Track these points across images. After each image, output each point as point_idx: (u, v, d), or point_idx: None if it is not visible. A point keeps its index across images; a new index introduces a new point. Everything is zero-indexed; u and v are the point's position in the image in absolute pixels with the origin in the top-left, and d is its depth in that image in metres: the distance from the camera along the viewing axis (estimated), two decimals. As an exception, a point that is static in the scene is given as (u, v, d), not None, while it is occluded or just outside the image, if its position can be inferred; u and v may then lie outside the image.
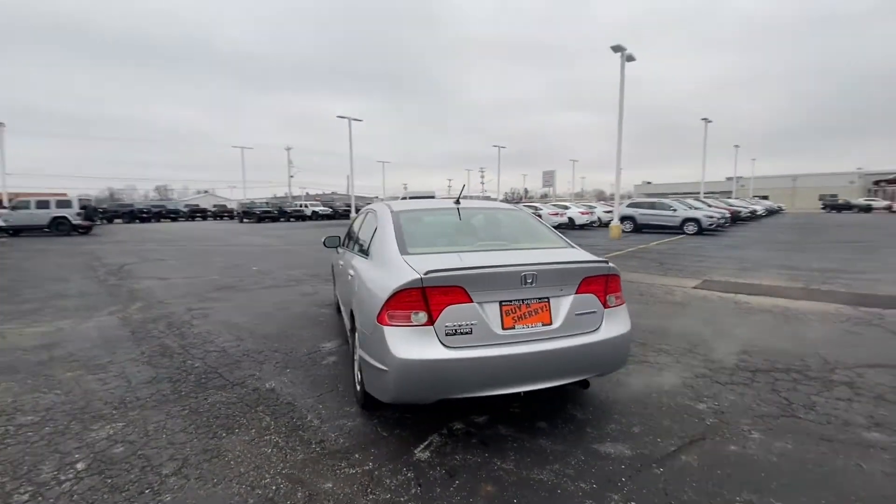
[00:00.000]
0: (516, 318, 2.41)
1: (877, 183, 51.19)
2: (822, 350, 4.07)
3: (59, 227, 19.06)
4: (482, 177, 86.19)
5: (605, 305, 2.64)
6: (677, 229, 18.49)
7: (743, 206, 29.08)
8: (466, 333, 2.33)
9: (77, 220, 19.31)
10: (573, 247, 3.05)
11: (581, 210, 22.94)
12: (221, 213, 41.06)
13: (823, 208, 46.08)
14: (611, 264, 2.67)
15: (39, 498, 2.08)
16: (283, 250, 13.22)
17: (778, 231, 19.84)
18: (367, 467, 2.31)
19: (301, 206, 36.61)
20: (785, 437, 2.58)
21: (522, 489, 2.12)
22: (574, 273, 2.54)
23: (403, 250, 2.69)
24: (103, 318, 5.35)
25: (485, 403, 2.96)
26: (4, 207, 21.62)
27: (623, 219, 19.25)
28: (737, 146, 41.72)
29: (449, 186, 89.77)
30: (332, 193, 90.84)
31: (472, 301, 2.34)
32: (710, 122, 30.37)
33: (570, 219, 21.55)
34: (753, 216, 29.17)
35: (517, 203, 17.14)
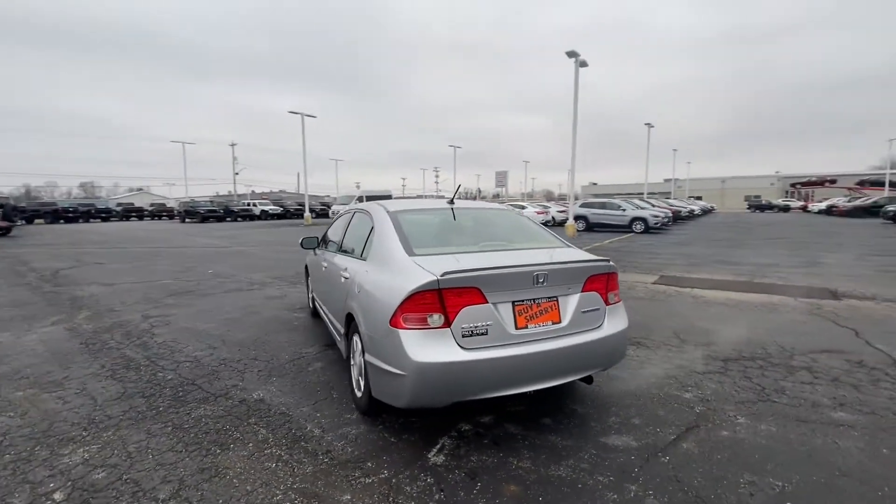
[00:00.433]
0: (528, 318, 2.44)
1: (793, 185, 56.72)
2: (778, 338, 4.44)
3: (-31, 228, 16.94)
4: (436, 176, 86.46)
5: (607, 303, 2.73)
6: (626, 228, 19.49)
7: (682, 206, 31.17)
8: (482, 334, 2.32)
9: (-8, 221, 17.26)
10: (570, 246, 3.12)
11: (537, 210, 23.60)
12: (160, 213, 38.27)
13: (749, 208, 50.37)
14: (611, 263, 2.77)
15: (16, 536, 1.84)
16: (238, 252, 12.54)
17: (714, 229, 21.46)
18: (383, 475, 2.24)
19: (249, 205, 34.90)
20: (766, 420, 2.79)
21: (545, 486, 2.14)
22: (580, 272, 2.61)
23: (409, 251, 2.64)
24: (47, 330, 4.82)
25: (488, 403, 2.96)
26: None
27: (576, 218, 20.03)
28: (675, 150, 44.66)
29: (403, 185, 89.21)
30: (281, 192, 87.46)
31: (487, 302, 2.33)
32: (652, 126, 32.29)
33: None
34: (691, 215, 31.34)
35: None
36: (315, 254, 4.80)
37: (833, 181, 48.12)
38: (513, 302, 2.41)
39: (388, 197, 32.61)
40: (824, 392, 3.20)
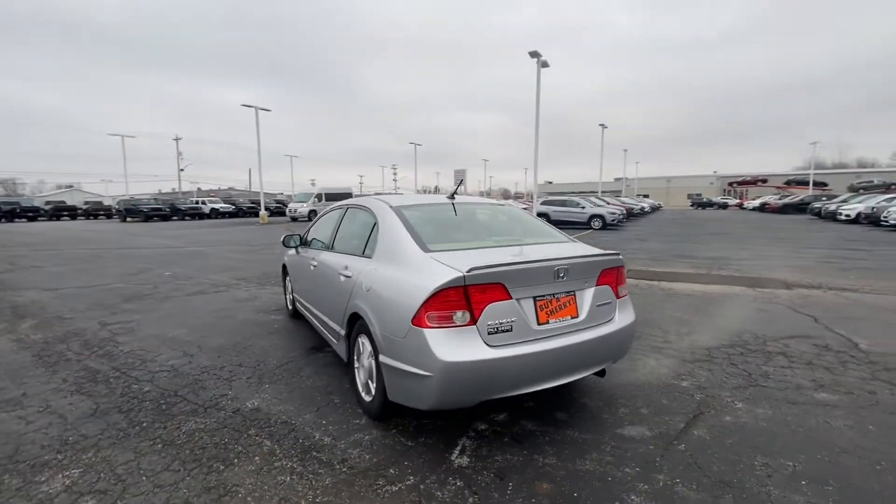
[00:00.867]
0: (549, 313, 2.42)
1: (730, 184, 61.09)
2: (748, 327, 4.72)
3: None
4: (394, 174, 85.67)
5: (618, 296, 2.77)
6: (585, 225, 20.18)
7: (634, 203, 32.71)
8: (507, 331, 2.28)
9: None
10: (574, 240, 3.14)
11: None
12: (96, 212, 35.31)
13: (692, 205, 53.67)
14: (621, 256, 2.81)
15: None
16: (193, 252, 11.79)
17: (665, 225, 22.67)
18: (410, 482, 2.15)
19: (198, 203, 32.96)
20: (761, 404, 2.95)
21: (576, 482, 2.14)
22: (595, 266, 2.62)
23: (424, 248, 2.54)
24: (-12, 342, 4.28)
25: (501, 401, 2.93)
26: None
27: (538, 215, 20.51)
28: (625, 150, 46.77)
29: (360, 183, 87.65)
30: (230, 189, 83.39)
31: (511, 298, 2.29)
32: (606, 127, 33.61)
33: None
34: (642, 212, 32.97)
35: None
36: (297, 252, 4.57)
37: (764, 181, 52.30)
38: (534, 297, 2.38)
39: (349, 195, 31.87)
40: (803, 375, 3.43)
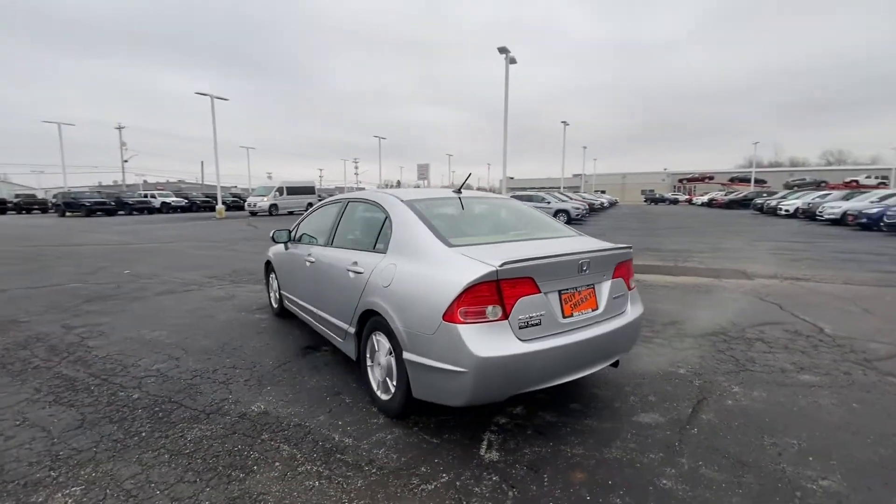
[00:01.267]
0: (573, 306, 2.45)
1: (680, 181, 64.50)
2: (725, 315, 5.01)
3: None
4: (356, 167, 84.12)
5: (629, 288, 2.85)
6: (551, 219, 20.67)
7: (594, 199, 33.87)
8: (536, 325, 2.29)
9: None
10: (581, 234, 3.20)
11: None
12: (30, 205, 32.40)
13: (645, 201, 56.29)
14: (632, 249, 2.89)
15: None
16: (152, 249, 11.07)
17: (624, 220, 23.63)
18: (444, 479, 2.12)
19: (147, 196, 30.95)
20: (755, 387, 3.13)
21: (607, 469, 2.19)
22: (612, 259, 2.68)
23: (447, 243, 2.50)
24: (-66, 351, 3.83)
25: (517, 395, 2.94)
26: None
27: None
28: (585, 147, 48.24)
29: (320, 176, 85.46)
30: (180, 182, 78.95)
31: (540, 291, 2.30)
32: (567, 125, 34.49)
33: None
34: (602, 207, 34.20)
35: None
36: (286, 249, 4.38)
37: (711, 177, 55.62)
38: (559, 291, 2.40)
39: (312, 189, 30.97)
40: (784, 359, 3.67)
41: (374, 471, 2.19)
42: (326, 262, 3.41)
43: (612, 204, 44.45)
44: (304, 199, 29.16)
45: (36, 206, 32.38)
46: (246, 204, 27.53)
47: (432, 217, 2.77)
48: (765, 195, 32.17)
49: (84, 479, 2.12)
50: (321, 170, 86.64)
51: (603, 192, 55.20)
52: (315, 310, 3.65)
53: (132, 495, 2.01)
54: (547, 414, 2.74)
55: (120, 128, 45.83)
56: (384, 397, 2.70)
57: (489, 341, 2.14)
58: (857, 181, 40.71)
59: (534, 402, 2.88)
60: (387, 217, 2.95)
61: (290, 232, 4.33)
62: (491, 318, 2.17)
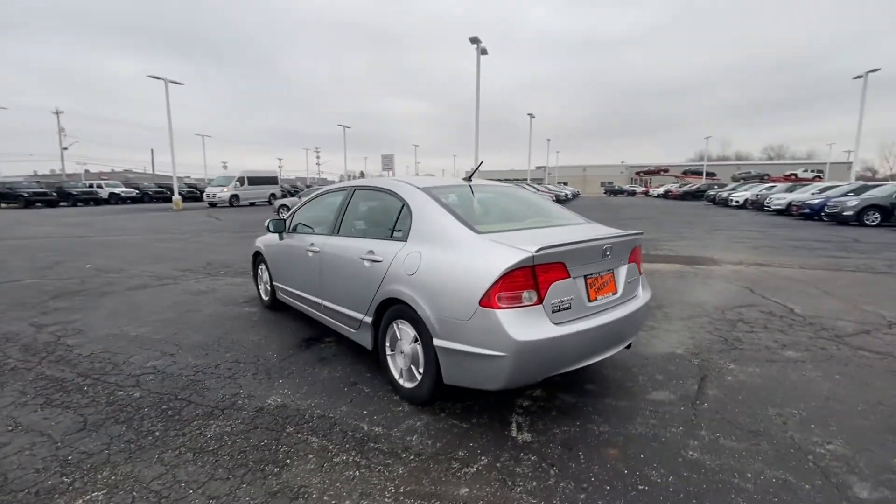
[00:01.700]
0: (597, 290, 2.53)
1: (637, 173, 67.10)
2: (704, 298, 5.31)
3: None
4: (318, 157, 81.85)
5: (640, 273, 2.97)
6: (521, 210, 21.03)
7: (558, 190, 34.69)
8: (567, 309, 2.34)
9: None
10: (591, 222, 3.28)
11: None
12: (-47, 196, 29.34)
13: (605, 192, 58.21)
14: (643, 234, 3.00)
15: None
16: (110, 242, 10.37)
17: (589, 211, 24.36)
18: (484, 461, 2.15)
19: (94, 187, 28.81)
20: (748, 364, 3.35)
21: (636, 445, 2.28)
22: (629, 245, 2.78)
23: (474, 230, 2.50)
24: None
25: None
26: None
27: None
28: (548, 140, 49.22)
29: (280, 166, 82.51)
30: (126, 171, 74.07)
31: (569, 276, 2.35)
32: (533, 117, 35.00)
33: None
34: (567, 199, 35.10)
35: None
36: (281, 238, 4.23)
37: (666, 170, 58.20)
38: (585, 276, 2.47)
39: (275, 179, 29.91)
40: (766, 337, 3.95)
41: (412, 457, 2.19)
42: (334, 252, 3.33)
43: (575, 195, 45.69)
44: (267, 190, 28.17)
45: (-38, 197, 29.38)
46: (204, 195, 26.24)
47: (457, 206, 2.76)
48: (716, 187, 34.06)
49: (104, 483, 1.99)
50: (280, 159, 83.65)
51: (565, 184, 56.56)
52: (319, 300, 3.56)
53: (163, 496, 1.91)
54: (566, 395, 2.82)
55: (58, 112, 42.37)
56: (408, 385, 2.69)
57: (526, 325, 2.17)
58: (795, 174, 43.88)
59: (552, 385, 2.96)
60: (404, 205, 2.90)
61: (285, 221, 4.18)
62: (526, 303, 2.20)
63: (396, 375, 2.78)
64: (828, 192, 17.35)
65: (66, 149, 44.28)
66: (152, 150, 57.68)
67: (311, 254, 3.63)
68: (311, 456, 2.20)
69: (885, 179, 43.33)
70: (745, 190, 25.77)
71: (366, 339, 3.05)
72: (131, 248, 9.34)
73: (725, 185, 34.16)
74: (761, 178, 42.56)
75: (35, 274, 6.60)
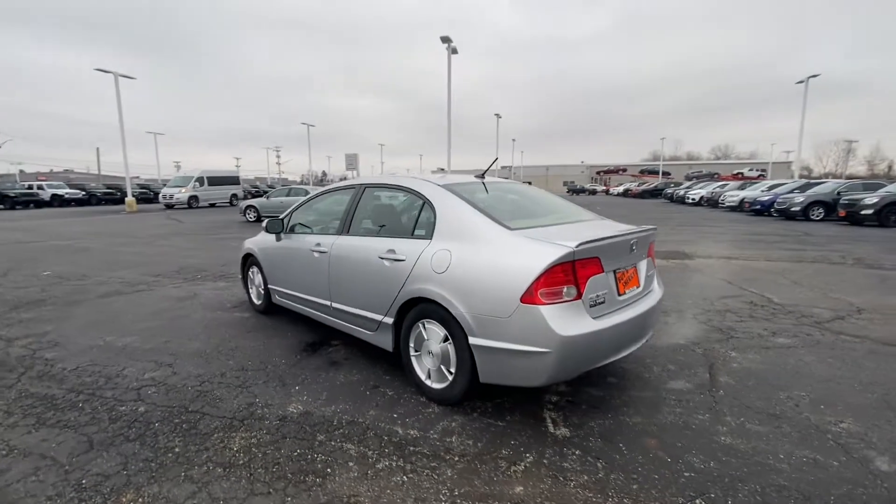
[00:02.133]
0: (624, 284, 2.58)
1: (597, 172, 69.36)
2: (687, 290, 5.55)
3: None
4: (278, 157, 79.35)
5: (654, 266, 3.05)
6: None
7: (525, 189, 35.32)
8: (602, 303, 2.37)
9: None
10: (603, 218, 3.35)
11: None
12: None
13: (568, 191, 59.81)
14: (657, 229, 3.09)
15: None
16: (63, 247, 9.61)
17: (558, 209, 24.92)
18: (530, 458, 2.14)
19: (34, 188, 26.61)
20: (747, 351, 3.52)
21: (671, 433, 2.34)
22: (647, 239, 2.85)
23: (506, 226, 2.48)
24: None
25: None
26: None
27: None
28: (514, 140, 50.00)
29: (238, 166, 79.36)
30: (67, 172, 69.04)
31: (603, 271, 2.39)
32: (500, 117, 35.44)
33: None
34: (533, 197, 35.80)
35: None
36: (278, 240, 4.06)
37: (624, 170, 60.52)
38: (614, 270, 2.51)
39: (237, 179, 28.71)
40: (756, 326, 4.17)
41: (456, 459, 2.15)
42: (346, 252, 3.22)
43: (540, 194, 46.70)
44: (228, 191, 27.02)
45: None
46: (160, 196, 24.83)
47: (485, 203, 2.74)
48: (672, 185, 35.76)
49: (133, 506, 1.83)
50: (238, 159, 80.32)
51: (529, 183, 57.55)
52: (328, 303, 3.44)
53: (203, 516, 1.78)
54: (592, 389, 2.86)
55: (-13, 107, 38.72)
56: (437, 386, 2.64)
57: (568, 320, 2.18)
58: (742, 173, 46.79)
59: (576, 380, 2.98)
60: (425, 202, 2.85)
61: (283, 222, 4.01)
62: (567, 298, 2.21)
63: (423, 377, 2.73)
64: (776, 190, 18.58)
65: (-3, 147, 40.64)
66: (98, 149, 54.04)
67: (317, 254, 3.50)
68: (351, 464, 2.12)
69: (820, 177, 47.06)
70: (701, 188, 27.19)
71: (385, 341, 2.98)
72: (90, 254, 8.69)
73: (681, 184, 35.94)
74: (711, 177, 45.07)
75: (-14, 283, 6.01)
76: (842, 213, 14.11)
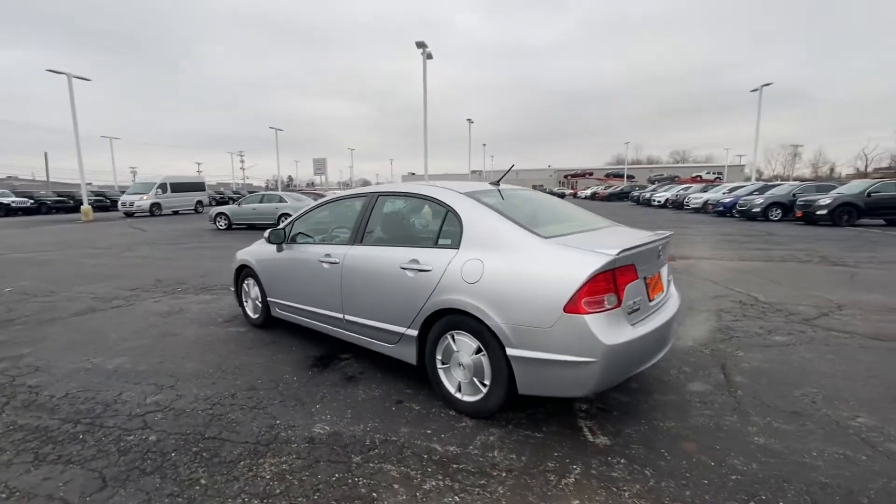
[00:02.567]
0: (652, 290, 2.61)
1: (565, 176, 71.06)
2: (681, 292, 5.69)
3: None
4: (242, 161, 76.97)
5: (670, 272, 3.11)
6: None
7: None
8: (637, 310, 2.39)
9: None
10: (618, 224, 3.39)
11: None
12: None
13: (537, 195, 60.83)
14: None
15: None
16: (19, 260, 8.91)
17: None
18: (578, 470, 2.12)
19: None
20: (752, 350, 3.65)
21: (707, 436, 2.38)
22: (668, 245, 2.90)
23: (539, 235, 2.46)
24: None
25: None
26: None
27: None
28: (485, 144, 50.49)
29: (199, 171, 76.38)
30: (11, 178, 64.37)
31: (638, 278, 2.40)
32: (472, 122, 35.73)
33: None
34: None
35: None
36: (279, 250, 3.89)
37: (591, 173, 62.32)
38: (644, 277, 2.53)
39: (202, 185, 27.61)
40: (751, 325, 4.33)
41: (503, 475, 2.10)
42: (362, 263, 3.11)
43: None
44: (193, 197, 25.97)
45: None
46: (119, 204, 23.51)
47: (512, 211, 2.71)
48: (638, 188, 37.07)
49: (169, 548, 1.68)
50: (200, 164, 77.36)
51: (542, 187, 58.46)
52: (339, 315, 3.31)
53: (251, 554, 1.65)
54: (618, 395, 2.88)
55: (-83, 108, 35.62)
56: (469, 399, 2.58)
57: (611, 329, 2.18)
58: (700, 176, 49.17)
59: (597, 386, 3.00)
60: (448, 211, 2.79)
61: (285, 231, 3.85)
62: (608, 307, 2.21)
63: (452, 390, 2.66)
64: (737, 192, 19.58)
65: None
66: (46, 154, 50.73)
67: (326, 265, 3.37)
68: (396, 486, 2.03)
69: (770, 180, 50.02)
70: (666, 190, 28.32)
71: (408, 354, 2.89)
72: (52, 267, 8.10)
73: (646, 187, 37.31)
74: (672, 180, 47.10)
75: (-61, 303, 5.47)
76: (798, 213, 15.01)
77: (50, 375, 3.28)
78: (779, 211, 16.42)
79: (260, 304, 4.26)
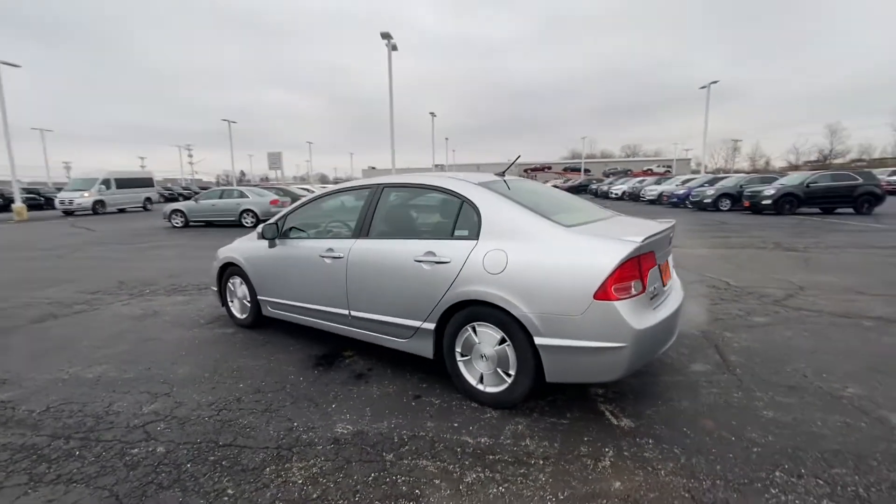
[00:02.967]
0: (665, 275, 2.70)
1: (525, 170, 72.33)
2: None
3: None
4: (190, 156, 72.97)
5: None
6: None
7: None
8: (657, 295, 2.46)
9: None
10: (618, 214, 3.47)
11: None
12: None
13: (499, 189, 61.64)
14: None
15: None
16: (-52, 265, 8.01)
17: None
18: (611, 453, 2.16)
19: None
20: (737, 331, 3.86)
21: (721, 413, 2.49)
22: (673, 234, 3.01)
23: (561, 224, 2.48)
24: None
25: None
26: None
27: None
28: (447, 138, 50.46)
29: (143, 166, 71.65)
30: (-80, 175, 57.59)
31: (656, 264, 2.48)
32: (435, 115, 35.59)
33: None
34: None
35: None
36: (272, 246, 3.70)
37: (549, 167, 63.80)
38: (659, 264, 2.61)
39: (150, 181, 25.91)
40: (730, 307, 4.59)
41: (542, 462, 2.11)
42: (370, 257, 3.02)
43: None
44: (141, 194, 24.36)
45: None
46: (57, 201, 21.63)
47: (528, 201, 2.70)
48: (595, 181, 38.35)
49: (212, 565, 1.57)
50: (143, 158, 72.46)
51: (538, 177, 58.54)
52: (345, 312, 3.20)
53: (303, 562, 1.57)
54: (628, 379, 2.95)
55: None
56: (493, 390, 2.57)
57: (639, 313, 2.23)
58: (651, 169, 51.61)
59: (608, 371, 3.08)
60: (463, 202, 2.76)
61: (277, 226, 3.67)
62: (635, 292, 2.26)
63: (474, 382, 2.65)
64: (689, 184, 20.68)
65: None
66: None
67: (328, 260, 3.24)
68: (437, 481, 1.99)
69: (714, 172, 53.22)
70: (623, 183, 29.46)
71: (423, 348, 2.84)
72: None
73: (602, 180, 38.67)
74: (625, 173, 49.12)
75: None
76: (746, 203, 16.05)
77: (22, 388, 2.97)
78: (728, 201, 17.49)
79: (249, 304, 4.06)
